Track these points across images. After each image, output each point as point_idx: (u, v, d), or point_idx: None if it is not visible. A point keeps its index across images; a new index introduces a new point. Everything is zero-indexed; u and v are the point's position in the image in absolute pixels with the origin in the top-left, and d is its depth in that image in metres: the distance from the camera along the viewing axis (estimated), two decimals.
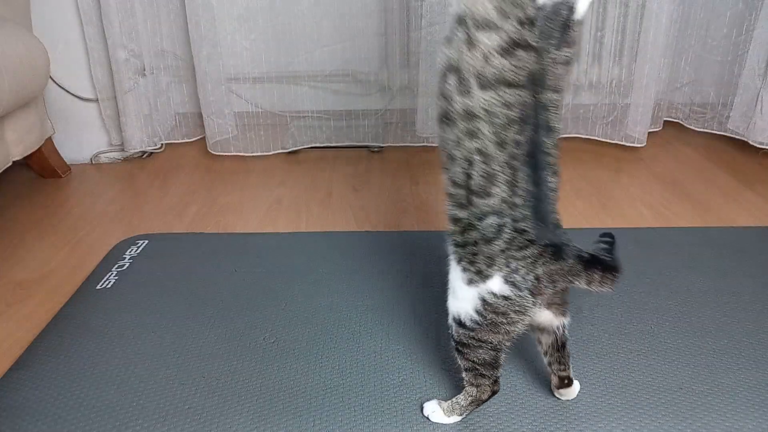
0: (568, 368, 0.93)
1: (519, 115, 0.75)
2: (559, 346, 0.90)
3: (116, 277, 1.33)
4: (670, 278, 1.29)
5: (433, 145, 2.08)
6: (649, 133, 2.07)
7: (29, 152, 1.75)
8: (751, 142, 1.94)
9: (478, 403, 0.90)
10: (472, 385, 0.89)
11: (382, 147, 2.12)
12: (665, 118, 2.17)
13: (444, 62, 0.78)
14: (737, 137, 2.01)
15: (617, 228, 1.50)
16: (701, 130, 2.14)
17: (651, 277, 1.28)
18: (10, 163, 1.64)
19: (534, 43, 0.73)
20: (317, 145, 2.10)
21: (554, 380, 0.94)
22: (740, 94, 1.95)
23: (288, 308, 1.21)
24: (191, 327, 1.16)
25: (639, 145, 2.03)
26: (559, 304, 0.86)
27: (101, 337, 1.14)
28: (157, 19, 1.97)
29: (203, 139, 2.11)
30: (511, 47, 0.73)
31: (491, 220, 0.78)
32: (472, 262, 0.81)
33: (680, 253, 1.38)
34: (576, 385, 0.95)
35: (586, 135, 2.09)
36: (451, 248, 0.84)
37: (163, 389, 1.00)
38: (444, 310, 1.20)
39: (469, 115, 0.76)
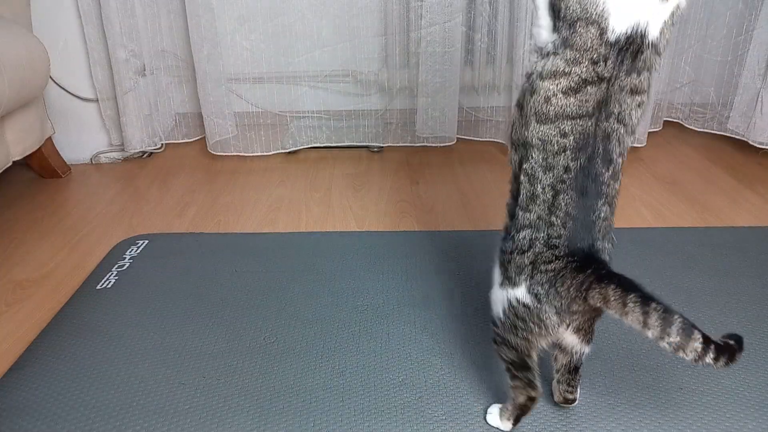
0: (575, 392, 0.94)
1: (574, 143, 0.75)
2: (572, 369, 0.91)
3: (116, 277, 1.33)
4: (670, 278, 1.29)
5: (433, 145, 2.08)
6: (649, 133, 2.07)
7: (29, 152, 1.75)
8: (751, 142, 1.94)
9: (519, 408, 0.89)
10: (510, 387, 0.89)
11: (382, 147, 2.12)
12: (665, 118, 2.17)
13: (517, 96, 0.81)
14: (737, 137, 2.01)
15: (617, 228, 1.50)
16: (701, 130, 2.14)
17: (651, 277, 1.28)
18: (10, 163, 1.64)
19: (606, 75, 0.73)
20: (317, 145, 2.10)
21: (557, 396, 0.94)
22: (740, 94, 1.96)
23: (288, 308, 1.21)
24: (191, 327, 1.16)
25: (639, 145, 2.03)
26: (587, 331, 0.86)
27: (101, 337, 1.14)
28: (157, 19, 1.97)
29: (203, 139, 2.11)
30: (580, 86, 0.74)
31: (525, 233, 0.80)
32: (506, 268, 0.82)
33: (680, 253, 1.38)
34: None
35: None
36: (497, 251, 0.86)
37: (164, 389, 1.00)
38: (444, 311, 1.20)
39: (525, 144, 0.79)
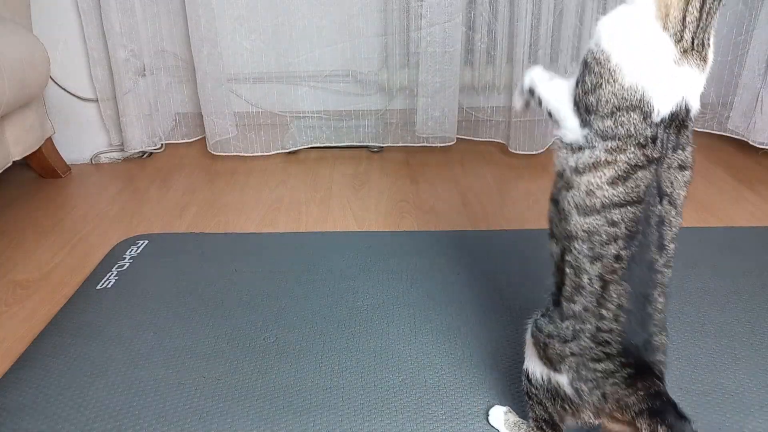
0: None
1: (626, 231, 0.71)
2: None
3: (116, 277, 1.33)
4: (670, 278, 1.28)
5: (433, 145, 2.08)
6: None
7: (29, 152, 1.75)
8: (751, 142, 1.94)
9: None
10: (531, 427, 0.86)
11: (382, 147, 2.12)
12: None
13: (551, 191, 0.77)
14: (737, 137, 2.01)
15: None
16: (701, 130, 2.14)
17: None
18: (10, 163, 1.64)
19: (655, 155, 0.70)
20: (317, 145, 2.10)
21: None
22: (740, 94, 1.95)
23: (288, 308, 1.21)
24: (191, 327, 1.16)
25: None
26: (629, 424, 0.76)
27: (101, 337, 1.14)
28: (157, 19, 1.97)
29: (203, 139, 2.11)
30: (629, 173, 0.70)
31: (569, 323, 0.75)
32: (543, 350, 0.78)
33: (680, 253, 1.37)
34: None
35: None
36: (531, 324, 0.81)
37: (163, 389, 1.00)
38: (444, 311, 1.20)
39: (568, 236, 0.74)
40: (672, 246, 0.74)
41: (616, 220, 0.70)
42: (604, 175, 0.70)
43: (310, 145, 2.10)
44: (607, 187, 0.70)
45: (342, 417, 0.94)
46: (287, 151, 2.09)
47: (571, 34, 1.96)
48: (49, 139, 1.90)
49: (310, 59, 2.04)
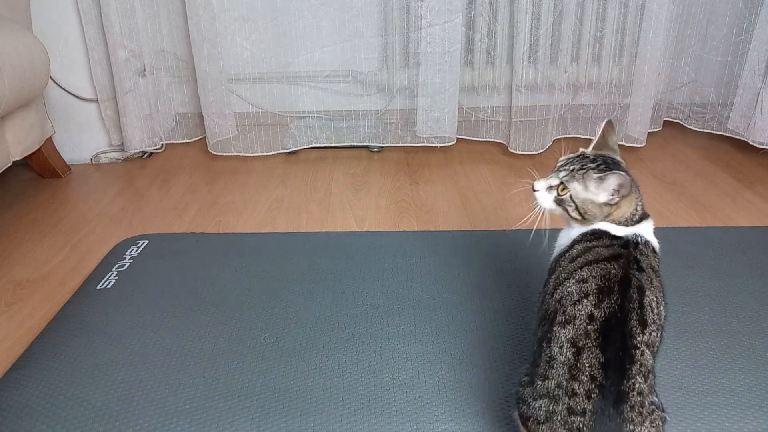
0: None
1: (596, 287, 0.69)
2: None
3: (116, 277, 1.33)
4: (670, 278, 1.28)
5: (433, 145, 2.08)
6: (649, 133, 2.07)
7: (29, 152, 1.75)
8: (751, 142, 1.94)
9: None
10: None
11: (382, 147, 2.12)
12: (665, 118, 2.17)
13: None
14: (737, 137, 2.01)
15: None
16: (701, 130, 2.14)
17: None
18: (10, 163, 1.64)
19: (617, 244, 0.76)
20: (317, 145, 2.10)
21: None
22: (740, 94, 1.96)
23: (288, 308, 1.21)
24: (191, 327, 1.16)
25: (639, 146, 2.03)
26: None
27: (101, 337, 1.14)
28: (157, 19, 1.97)
29: (203, 139, 2.11)
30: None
31: (542, 402, 0.70)
32: (524, 424, 0.75)
33: (680, 253, 1.38)
34: None
35: (586, 135, 2.09)
36: (515, 393, 0.80)
37: (163, 389, 1.00)
38: (443, 311, 1.20)
39: (544, 317, 0.76)
40: (654, 328, 0.69)
41: (584, 276, 0.70)
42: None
43: (310, 145, 2.10)
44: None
45: (342, 417, 0.94)
46: (287, 151, 2.09)
47: (571, 34, 1.96)
48: (50, 139, 1.90)
49: (310, 59, 2.04)
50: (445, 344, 1.10)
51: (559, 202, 0.83)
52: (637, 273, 0.71)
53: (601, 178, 0.79)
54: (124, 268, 1.37)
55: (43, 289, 1.34)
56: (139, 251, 1.44)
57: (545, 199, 0.84)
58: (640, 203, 0.82)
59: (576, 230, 0.82)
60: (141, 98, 2.00)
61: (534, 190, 0.85)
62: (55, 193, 1.85)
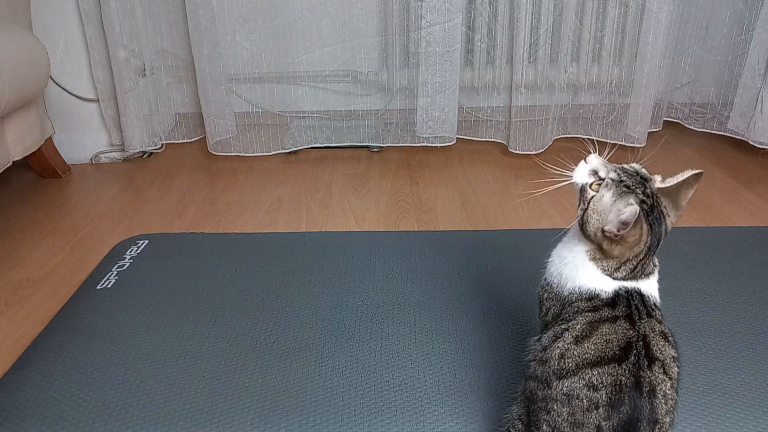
0: None
1: (607, 399, 0.65)
2: None
3: (116, 277, 1.33)
4: (670, 278, 1.28)
5: (433, 145, 2.08)
6: (649, 133, 2.07)
7: (29, 152, 1.75)
8: (751, 142, 1.94)
9: None
10: None
11: (382, 147, 2.12)
12: (665, 118, 2.17)
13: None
14: (737, 137, 2.01)
15: None
16: (701, 130, 2.14)
17: None
18: (10, 163, 1.64)
19: (621, 313, 0.69)
20: (317, 145, 2.10)
21: None
22: (740, 94, 1.96)
23: (288, 308, 1.21)
24: (191, 327, 1.16)
25: (639, 145, 2.03)
26: None
27: (101, 337, 1.14)
28: (157, 19, 1.97)
29: (203, 139, 2.11)
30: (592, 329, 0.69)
31: None
32: None
33: (680, 253, 1.38)
34: None
35: (586, 135, 2.09)
36: None
37: (164, 389, 1.00)
38: (443, 311, 1.20)
39: (545, 399, 0.70)
40: (668, 420, 0.67)
41: (595, 384, 0.66)
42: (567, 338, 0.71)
43: (310, 145, 2.10)
44: (574, 347, 0.69)
45: (342, 417, 0.94)
46: (287, 151, 2.09)
47: (571, 33, 1.96)
48: (50, 139, 1.90)
49: (310, 59, 2.04)
50: (445, 344, 1.10)
51: (583, 189, 0.77)
52: (647, 372, 0.67)
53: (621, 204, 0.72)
54: (124, 268, 1.37)
55: (43, 289, 1.34)
56: (139, 251, 1.44)
57: (582, 174, 0.78)
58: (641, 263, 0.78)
59: (571, 261, 0.77)
60: (141, 98, 2.00)
61: (584, 161, 0.78)
62: (55, 193, 1.85)
